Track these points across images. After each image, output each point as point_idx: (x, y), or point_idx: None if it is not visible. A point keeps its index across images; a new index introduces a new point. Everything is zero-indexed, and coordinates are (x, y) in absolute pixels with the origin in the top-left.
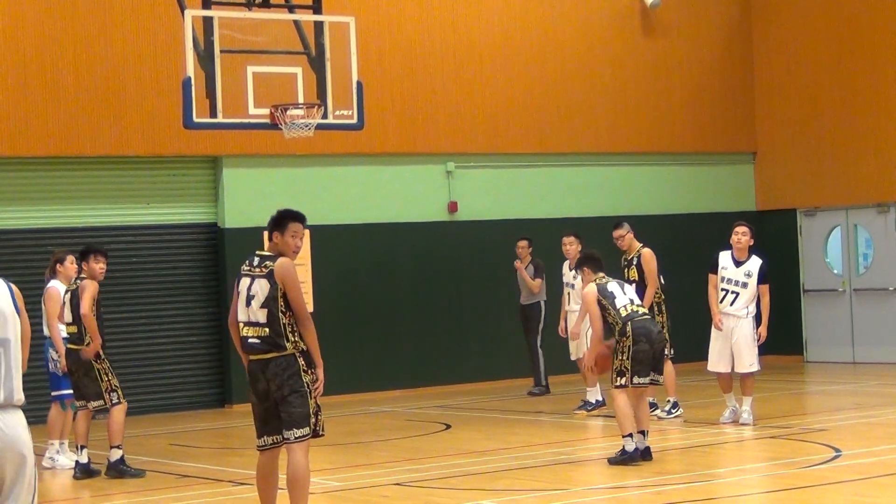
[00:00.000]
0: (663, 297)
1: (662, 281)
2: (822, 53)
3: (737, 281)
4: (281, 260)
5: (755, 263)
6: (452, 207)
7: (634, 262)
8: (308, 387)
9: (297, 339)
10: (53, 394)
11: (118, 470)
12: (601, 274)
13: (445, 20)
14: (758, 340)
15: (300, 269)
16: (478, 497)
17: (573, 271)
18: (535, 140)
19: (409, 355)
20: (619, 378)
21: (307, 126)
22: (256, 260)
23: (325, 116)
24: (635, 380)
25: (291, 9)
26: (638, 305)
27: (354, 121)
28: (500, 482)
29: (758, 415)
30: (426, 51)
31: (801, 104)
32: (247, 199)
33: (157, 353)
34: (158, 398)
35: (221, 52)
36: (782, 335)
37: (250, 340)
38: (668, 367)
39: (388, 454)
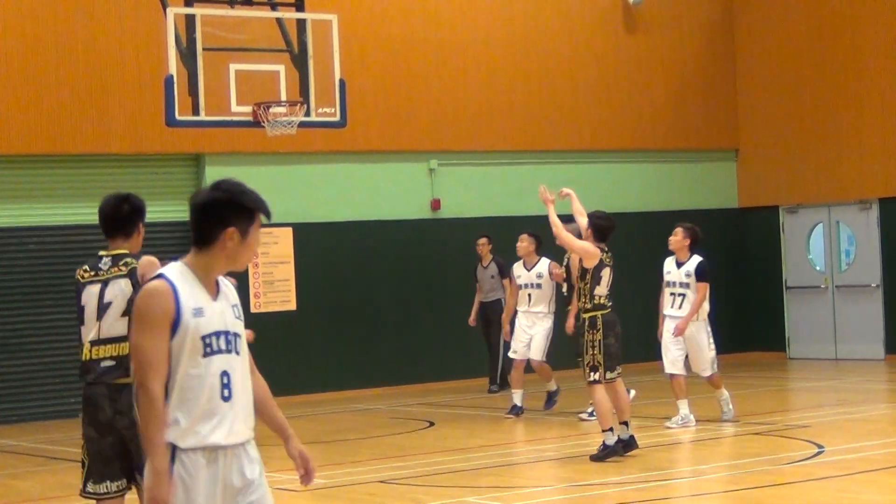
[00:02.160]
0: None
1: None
2: (804, 51)
3: (679, 283)
4: (144, 258)
5: (694, 262)
6: (435, 205)
7: (565, 264)
8: None
9: None
10: None
11: None
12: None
13: (428, 17)
14: (674, 333)
15: (283, 268)
16: (462, 494)
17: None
18: (518, 137)
19: (392, 353)
20: (592, 373)
21: (290, 124)
22: (106, 261)
23: (307, 114)
24: (608, 375)
25: (274, 6)
26: (608, 298)
27: (337, 118)
28: (484, 479)
29: (740, 411)
30: (409, 48)
31: (784, 101)
32: None
33: None
34: None
35: (204, 49)
36: (765, 332)
37: (103, 363)
38: None
39: (372, 452)
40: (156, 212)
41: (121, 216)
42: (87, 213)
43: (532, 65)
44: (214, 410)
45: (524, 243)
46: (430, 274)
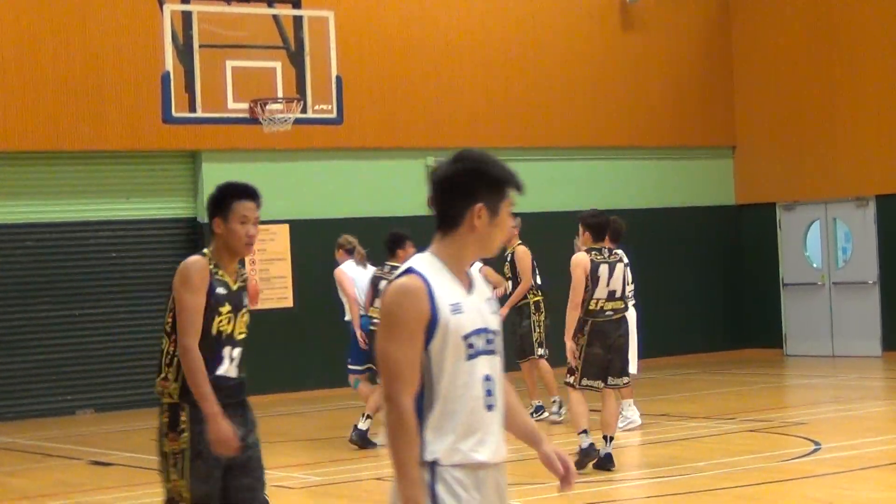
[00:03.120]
0: (540, 296)
1: (539, 281)
2: (801, 48)
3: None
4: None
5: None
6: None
7: (508, 259)
8: (168, 459)
9: (172, 378)
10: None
11: None
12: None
13: (425, 15)
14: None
15: (280, 265)
16: None
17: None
18: (514, 134)
19: None
20: (568, 375)
21: (286, 120)
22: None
23: (304, 111)
24: (584, 381)
25: (271, 3)
26: (615, 301)
27: (334, 115)
28: None
29: (738, 409)
30: (406, 45)
31: (780, 98)
32: None
33: (136, 348)
34: (138, 393)
35: (200, 46)
36: (762, 329)
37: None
38: (544, 365)
39: (369, 449)
40: (152, 208)
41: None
42: (85, 210)
43: (529, 62)
44: (479, 422)
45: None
46: None
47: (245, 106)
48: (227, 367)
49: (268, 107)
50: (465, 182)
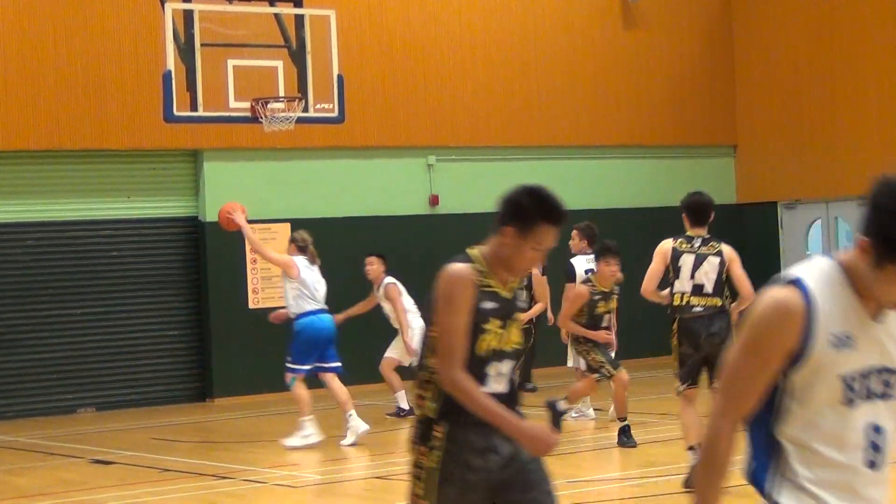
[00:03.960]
0: None
1: None
2: (803, 46)
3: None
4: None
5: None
6: (434, 201)
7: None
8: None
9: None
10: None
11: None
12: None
13: (427, 13)
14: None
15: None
16: None
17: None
18: (516, 133)
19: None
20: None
21: (288, 119)
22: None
23: (305, 110)
24: (679, 386)
25: (272, 2)
26: (703, 296)
27: (335, 114)
28: None
29: None
30: (407, 44)
31: (782, 97)
32: (227, 193)
33: (137, 347)
34: (139, 392)
35: (202, 45)
36: None
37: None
38: None
39: (368, 448)
40: (154, 208)
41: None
42: (85, 209)
43: (530, 61)
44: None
45: (373, 266)
46: (428, 270)
47: (246, 105)
48: (493, 385)
49: (269, 106)
50: None
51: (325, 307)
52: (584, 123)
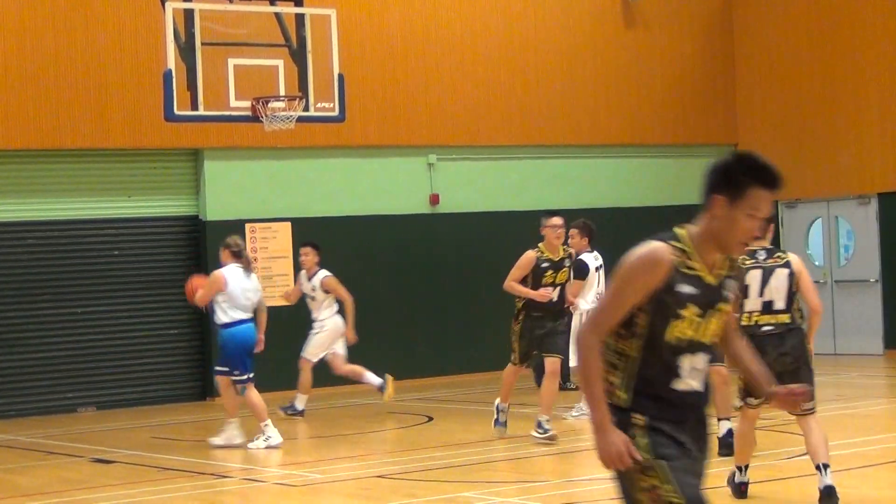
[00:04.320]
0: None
1: None
2: (803, 46)
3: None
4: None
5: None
6: (434, 199)
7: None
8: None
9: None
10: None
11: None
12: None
13: (427, 13)
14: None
15: (281, 262)
16: (459, 489)
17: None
18: (517, 132)
19: (390, 347)
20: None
21: (288, 118)
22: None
23: (306, 109)
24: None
25: (272, 1)
26: (773, 314)
27: (336, 113)
28: (481, 474)
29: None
30: (408, 43)
31: (782, 96)
32: (228, 192)
33: (138, 346)
34: (139, 391)
35: (203, 44)
36: None
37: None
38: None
39: (369, 447)
40: (155, 206)
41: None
42: (86, 208)
43: (530, 60)
44: None
45: (308, 257)
46: (429, 268)
47: (247, 104)
48: (688, 381)
49: (270, 105)
50: None
51: (251, 316)
52: (585, 123)
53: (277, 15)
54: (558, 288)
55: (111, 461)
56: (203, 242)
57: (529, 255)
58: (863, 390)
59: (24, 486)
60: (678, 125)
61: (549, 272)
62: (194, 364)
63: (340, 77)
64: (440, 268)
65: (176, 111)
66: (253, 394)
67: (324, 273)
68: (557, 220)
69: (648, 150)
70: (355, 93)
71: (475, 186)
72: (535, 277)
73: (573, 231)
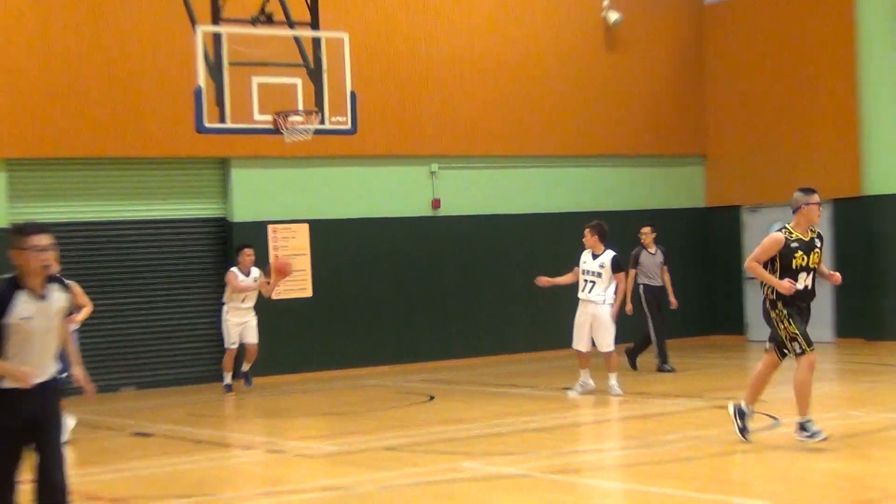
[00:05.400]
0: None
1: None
2: (766, 68)
3: (592, 272)
4: None
5: (608, 256)
6: (435, 204)
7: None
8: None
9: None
10: None
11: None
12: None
13: (430, 36)
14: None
15: (300, 259)
16: (458, 460)
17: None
18: (510, 144)
19: (395, 335)
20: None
21: (306, 131)
22: None
23: (322, 122)
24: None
25: (291, 25)
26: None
27: (348, 126)
28: (478, 447)
29: (706, 388)
30: (413, 64)
31: (746, 113)
32: (252, 197)
33: (173, 332)
34: (174, 372)
35: (229, 64)
36: (727, 317)
37: None
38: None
39: (377, 423)
40: (186, 209)
41: None
42: (127, 211)
43: (523, 79)
44: None
45: (251, 256)
46: (431, 266)
47: (269, 118)
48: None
49: (289, 118)
50: None
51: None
52: (571, 135)
53: (296, 38)
54: (811, 273)
55: (150, 434)
56: (230, 242)
57: (776, 237)
58: (816, 374)
59: (74, 456)
60: (654, 138)
61: (799, 253)
62: (222, 348)
63: (352, 94)
64: (441, 265)
65: (206, 124)
66: None
67: (258, 270)
68: (816, 198)
69: (627, 160)
70: (365, 108)
71: (472, 192)
72: (783, 260)
73: (587, 230)
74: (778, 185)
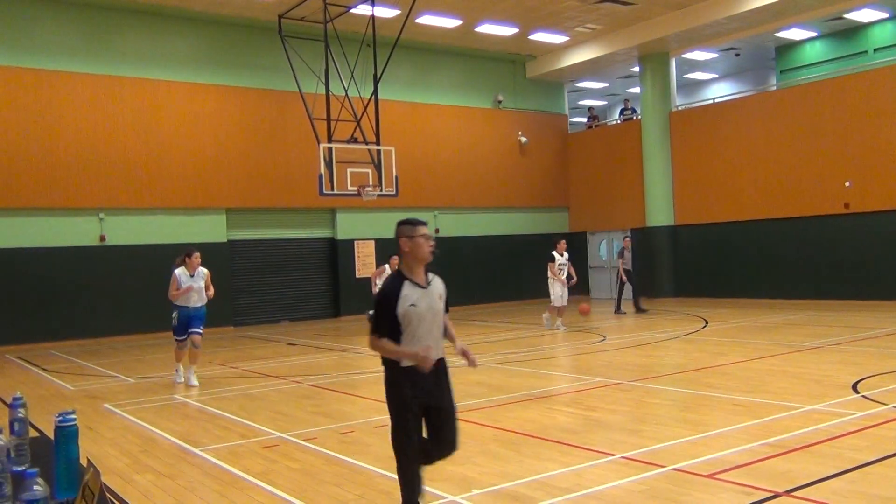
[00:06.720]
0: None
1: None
2: (599, 164)
3: (563, 264)
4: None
5: (565, 256)
6: (436, 231)
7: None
8: None
9: None
10: None
11: None
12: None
13: (429, 149)
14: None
15: (370, 264)
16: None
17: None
18: (472, 199)
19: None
20: None
21: (373, 195)
22: None
23: (380, 190)
24: None
25: (367, 143)
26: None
27: (394, 193)
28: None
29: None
30: (426, 161)
31: (589, 184)
32: (347, 226)
33: (309, 292)
34: (312, 311)
35: (336, 161)
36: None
37: None
38: None
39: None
40: (315, 232)
41: None
42: (286, 233)
43: (478, 172)
44: None
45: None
46: (433, 266)
47: (355, 189)
48: None
49: (365, 189)
50: None
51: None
52: (493, 197)
53: (369, 149)
54: None
55: (295, 344)
56: (335, 252)
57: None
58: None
59: (257, 354)
60: (541, 197)
61: None
62: (331, 308)
63: (396, 177)
64: (441, 262)
65: (324, 191)
66: None
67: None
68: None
69: (525, 209)
70: (402, 182)
71: (458, 223)
72: None
73: (562, 241)
74: (605, 220)
